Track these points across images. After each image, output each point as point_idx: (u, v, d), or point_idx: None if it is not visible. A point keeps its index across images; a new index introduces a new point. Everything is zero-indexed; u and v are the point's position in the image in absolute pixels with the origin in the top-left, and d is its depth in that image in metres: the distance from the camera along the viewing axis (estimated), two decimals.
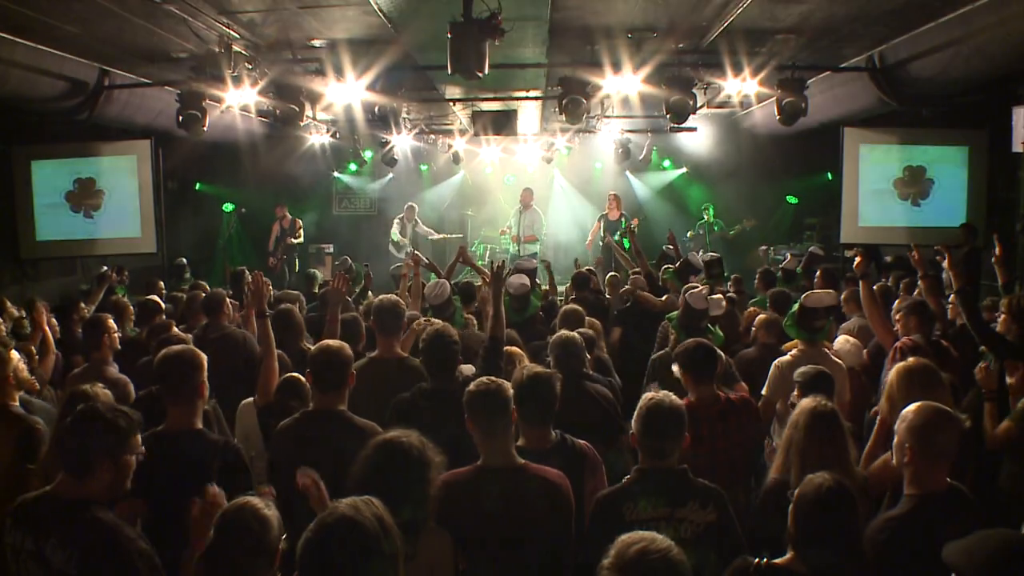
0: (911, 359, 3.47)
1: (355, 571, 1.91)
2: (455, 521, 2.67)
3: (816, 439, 2.89)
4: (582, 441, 3.25)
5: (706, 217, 13.05)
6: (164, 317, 5.74)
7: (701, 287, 5.20)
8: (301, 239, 12.96)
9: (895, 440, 2.71)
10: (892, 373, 3.37)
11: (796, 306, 4.77)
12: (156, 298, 6.04)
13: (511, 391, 2.95)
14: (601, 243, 12.05)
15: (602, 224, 12.33)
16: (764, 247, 12.53)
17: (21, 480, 3.20)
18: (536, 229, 13.17)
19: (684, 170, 14.70)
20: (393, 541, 1.99)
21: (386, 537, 1.97)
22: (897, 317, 4.70)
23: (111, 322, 4.68)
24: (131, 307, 6.06)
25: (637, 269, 8.30)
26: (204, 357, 3.19)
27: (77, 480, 2.44)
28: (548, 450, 3.09)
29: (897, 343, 4.47)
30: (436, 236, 13.68)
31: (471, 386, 2.97)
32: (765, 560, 2.33)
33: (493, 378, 3.01)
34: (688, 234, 12.93)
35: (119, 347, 4.72)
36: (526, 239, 12.96)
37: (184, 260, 10.28)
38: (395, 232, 12.97)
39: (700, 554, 2.70)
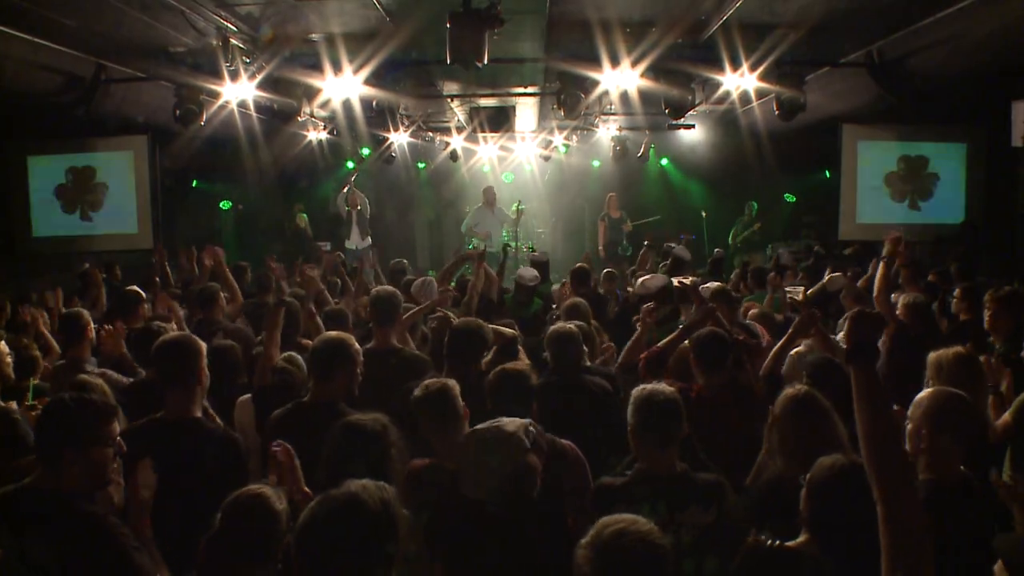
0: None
1: (351, 551, 1.88)
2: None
3: (797, 425, 2.82)
4: (565, 441, 3.21)
5: (748, 214, 12.69)
6: (147, 307, 5.72)
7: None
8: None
9: (908, 428, 2.66)
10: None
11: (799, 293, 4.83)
12: (136, 288, 6.00)
13: (456, 391, 2.98)
14: (604, 251, 12.27)
15: (606, 224, 12.39)
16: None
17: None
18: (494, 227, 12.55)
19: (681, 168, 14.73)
20: (395, 529, 1.96)
21: (389, 524, 1.94)
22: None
23: (87, 316, 4.67)
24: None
25: (635, 267, 8.32)
26: (203, 344, 3.17)
27: (53, 472, 2.37)
28: None
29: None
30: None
31: (416, 390, 3.00)
32: (778, 542, 2.30)
33: (440, 380, 3.03)
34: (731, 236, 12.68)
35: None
36: (483, 236, 12.21)
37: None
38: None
39: (700, 558, 2.69)
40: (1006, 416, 3.68)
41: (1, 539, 2.31)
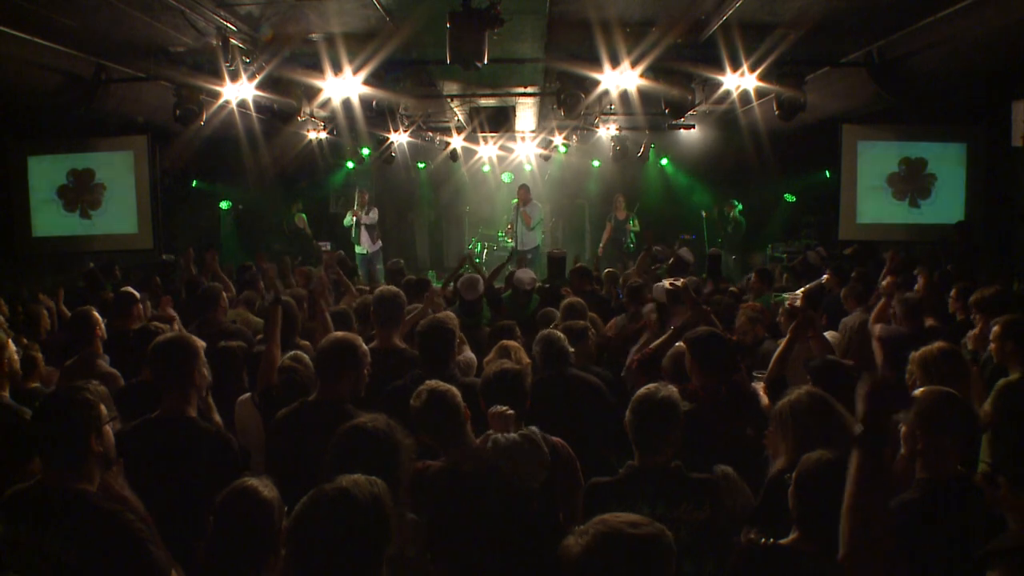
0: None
1: (340, 544, 1.89)
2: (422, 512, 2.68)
3: (811, 424, 2.81)
4: (555, 438, 3.21)
5: (733, 214, 12.91)
6: (141, 308, 5.70)
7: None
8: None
9: (903, 431, 2.64)
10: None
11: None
12: (131, 289, 5.97)
13: (456, 396, 2.94)
14: (602, 249, 12.42)
15: (612, 224, 12.47)
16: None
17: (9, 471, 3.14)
18: (535, 221, 12.93)
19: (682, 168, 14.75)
20: (386, 525, 1.96)
21: (379, 519, 1.94)
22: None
23: (97, 315, 4.67)
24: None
25: (632, 271, 8.35)
26: (200, 345, 3.18)
27: (69, 468, 2.39)
28: None
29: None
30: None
31: (412, 400, 2.96)
32: (771, 540, 2.30)
33: (437, 386, 2.99)
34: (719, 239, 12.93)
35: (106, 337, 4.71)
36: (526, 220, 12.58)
37: (173, 256, 10.27)
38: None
39: (699, 556, 2.69)
40: (985, 405, 3.67)
41: (20, 536, 2.32)
